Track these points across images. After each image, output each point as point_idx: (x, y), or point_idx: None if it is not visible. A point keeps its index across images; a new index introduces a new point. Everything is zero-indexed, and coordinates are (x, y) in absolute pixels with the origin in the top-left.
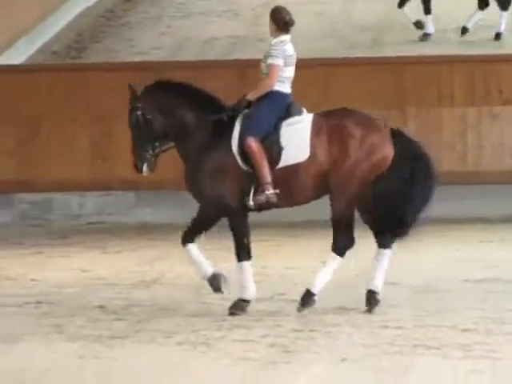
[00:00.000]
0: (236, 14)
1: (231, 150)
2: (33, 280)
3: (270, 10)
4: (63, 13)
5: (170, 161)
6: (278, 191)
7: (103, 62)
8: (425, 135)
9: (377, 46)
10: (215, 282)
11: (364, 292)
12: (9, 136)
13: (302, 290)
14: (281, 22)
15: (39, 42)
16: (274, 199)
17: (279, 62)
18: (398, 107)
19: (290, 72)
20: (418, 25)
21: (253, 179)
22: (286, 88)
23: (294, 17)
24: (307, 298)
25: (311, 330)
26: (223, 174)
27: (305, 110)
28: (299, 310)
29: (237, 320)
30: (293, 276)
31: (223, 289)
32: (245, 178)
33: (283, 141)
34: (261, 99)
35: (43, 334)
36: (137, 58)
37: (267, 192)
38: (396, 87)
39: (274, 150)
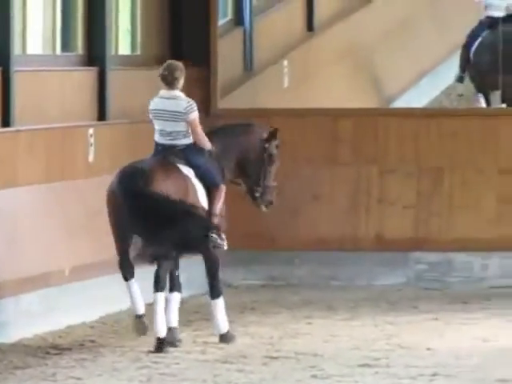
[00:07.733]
0: None
1: None
2: (428, 349)
3: None
4: None
5: None
6: None
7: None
8: None
9: None
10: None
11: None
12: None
13: None
14: (160, 77)
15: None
16: None
17: (150, 116)
18: None
19: (158, 125)
20: None
21: None
22: (158, 139)
23: None
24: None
25: None
26: None
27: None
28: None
29: None
30: None
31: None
32: None
33: None
34: None
35: None
36: None
37: None
38: None
39: None
